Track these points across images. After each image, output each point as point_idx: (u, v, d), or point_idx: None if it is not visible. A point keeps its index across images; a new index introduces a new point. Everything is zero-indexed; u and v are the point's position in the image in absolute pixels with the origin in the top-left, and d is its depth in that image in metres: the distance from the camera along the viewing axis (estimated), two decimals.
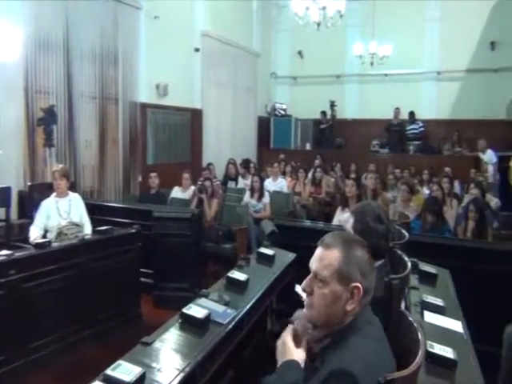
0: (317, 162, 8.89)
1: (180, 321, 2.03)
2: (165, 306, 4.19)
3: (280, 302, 3.27)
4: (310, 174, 7.98)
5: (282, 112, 11.67)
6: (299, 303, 2.83)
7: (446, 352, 1.80)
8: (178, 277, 4.44)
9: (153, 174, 6.03)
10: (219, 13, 8.91)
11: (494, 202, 6.33)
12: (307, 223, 4.65)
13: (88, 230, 4.19)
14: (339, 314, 1.26)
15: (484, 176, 7.45)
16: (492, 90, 9.61)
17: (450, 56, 9.96)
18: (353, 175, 8.81)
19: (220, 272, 4.62)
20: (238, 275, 2.62)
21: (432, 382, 1.68)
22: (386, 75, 10.48)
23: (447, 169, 7.86)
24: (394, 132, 10.48)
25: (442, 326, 2.15)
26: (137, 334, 3.48)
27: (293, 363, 1.23)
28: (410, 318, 1.38)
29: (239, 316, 2.21)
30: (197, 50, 8.48)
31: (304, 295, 2.34)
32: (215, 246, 5.39)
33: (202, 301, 2.22)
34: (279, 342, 1.30)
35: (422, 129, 10.37)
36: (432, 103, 10.41)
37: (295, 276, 3.15)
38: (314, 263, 1.31)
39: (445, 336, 2.04)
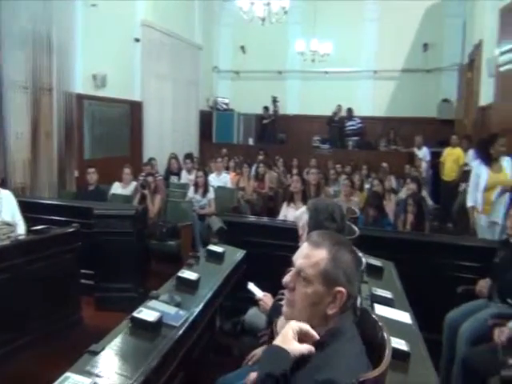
0: (260, 157, 8.91)
1: (130, 325, 1.93)
2: (107, 307, 4.02)
3: (228, 299, 3.23)
4: (253, 169, 7.98)
5: (224, 106, 11.59)
6: (249, 300, 2.82)
7: (400, 345, 1.84)
8: (120, 277, 4.25)
9: (91, 170, 5.73)
10: (161, 3, 8.65)
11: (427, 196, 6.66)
12: (257, 219, 4.61)
13: (21, 229, 3.89)
14: (319, 316, 1.21)
15: (418, 171, 7.81)
16: (425, 89, 10.11)
17: (386, 56, 10.34)
18: (295, 170, 8.95)
19: (165, 270, 4.50)
20: (188, 274, 2.54)
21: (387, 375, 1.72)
22: (326, 72, 10.69)
23: (385, 164, 8.15)
24: (335, 128, 10.74)
25: (392, 318, 2.21)
26: (79, 339, 3.32)
27: (283, 353, 1.13)
28: (374, 316, 1.37)
29: (192, 317, 2.14)
30: (137, 40, 8.18)
31: (259, 294, 2.33)
32: (159, 244, 5.24)
33: (153, 303, 2.13)
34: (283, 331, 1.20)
35: (360, 125, 10.71)
36: (369, 101, 10.77)
37: (245, 273, 3.13)
38: (298, 259, 1.25)
39: (396, 328, 2.09)
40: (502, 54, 5.26)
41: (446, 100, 10.09)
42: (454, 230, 6.56)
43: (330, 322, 1.21)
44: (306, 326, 1.18)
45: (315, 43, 9.68)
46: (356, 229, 2.72)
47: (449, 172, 7.70)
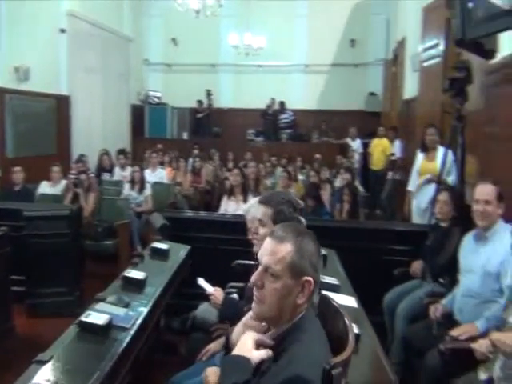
0: (195, 151, 8.82)
1: (78, 330, 1.85)
2: (41, 314, 3.82)
3: (175, 297, 3.19)
4: (189, 164, 7.89)
5: (157, 100, 11.31)
6: (196, 296, 2.80)
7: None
8: (54, 281, 4.03)
9: (17, 169, 5.37)
10: None
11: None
12: (198, 214, 4.58)
13: None
14: (290, 308, 1.24)
15: (351, 162, 8.14)
16: (353, 83, 10.51)
17: (316, 50, 10.61)
18: (231, 164, 8.98)
19: (102, 272, 4.34)
20: (134, 274, 2.48)
21: None
22: (259, 66, 10.78)
23: (318, 155, 8.40)
24: (269, 121, 10.89)
25: (340, 303, 2.29)
26: (12, 349, 3.12)
27: (243, 361, 1.15)
28: (334, 303, 1.42)
29: (142, 317, 2.09)
30: (62, 31, 7.72)
31: (210, 289, 2.32)
32: (95, 244, 5.03)
33: (100, 305, 2.05)
34: (240, 339, 1.22)
35: (292, 118, 10.93)
36: (301, 94, 11.01)
37: (191, 269, 3.11)
38: (264, 256, 1.26)
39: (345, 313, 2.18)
40: (425, 50, 5.60)
41: (372, 93, 10.57)
42: (382, 216, 6.94)
43: (298, 312, 1.25)
44: (262, 337, 1.24)
45: (249, 37, 9.72)
46: (303, 219, 2.78)
47: (377, 162, 8.09)
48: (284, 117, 10.93)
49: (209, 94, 10.95)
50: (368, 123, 9.90)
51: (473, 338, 2.23)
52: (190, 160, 8.16)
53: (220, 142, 10.39)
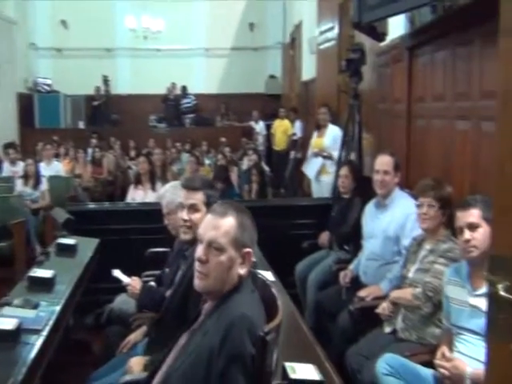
0: (93, 140, 8.37)
1: None
2: None
3: (86, 293, 3.05)
4: (89, 154, 7.47)
5: (47, 88, 10.45)
6: (109, 290, 2.70)
7: None
8: None
9: None
10: None
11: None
12: (103, 205, 4.38)
13: None
14: (234, 278, 1.32)
15: (255, 144, 8.30)
16: (253, 66, 10.62)
17: (216, 34, 10.53)
18: (133, 152, 8.68)
19: None
20: (41, 273, 2.32)
21: None
22: (158, 50, 10.45)
23: (223, 139, 8.45)
24: (170, 106, 10.65)
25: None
26: None
27: None
28: (261, 276, 1.49)
29: (55, 316, 1.97)
30: None
31: (126, 279, 2.25)
32: None
33: (6, 310, 1.90)
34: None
35: (194, 102, 10.82)
36: (202, 78, 10.92)
37: (101, 262, 2.97)
38: (207, 232, 1.31)
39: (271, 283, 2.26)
40: (322, 33, 5.85)
41: (272, 76, 10.81)
42: (286, 194, 7.24)
43: (238, 281, 1.33)
44: None
45: (147, 20, 9.36)
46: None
47: (279, 142, 8.33)
48: (186, 101, 10.77)
49: (106, 80, 10.39)
50: (269, 105, 10.13)
51: (378, 298, 2.44)
52: (90, 150, 7.73)
53: (120, 130, 9.95)
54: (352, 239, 3.14)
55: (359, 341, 2.33)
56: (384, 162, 2.65)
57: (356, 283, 2.80)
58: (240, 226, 1.31)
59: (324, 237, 3.42)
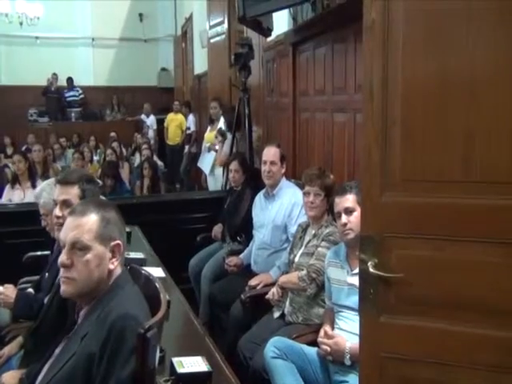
0: None
1: None
2: None
3: None
4: None
5: None
6: None
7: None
8: None
9: None
10: None
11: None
12: None
13: None
14: (105, 275, 1.27)
15: (146, 138, 8.04)
16: (144, 58, 10.23)
17: (103, 24, 9.98)
18: (9, 149, 7.90)
19: None
20: None
21: None
22: (37, 38, 9.61)
23: (113, 133, 8.07)
24: (53, 99, 9.88)
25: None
26: None
27: None
28: (144, 271, 1.45)
29: None
30: None
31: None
32: None
33: None
34: None
35: (82, 96, 10.18)
36: (89, 70, 10.30)
37: None
38: (69, 234, 1.25)
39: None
40: (212, 27, 5.84)
41: (164, 69, 10.55)
42: (181, 189, 7.16)
43: (113, 276, 1.28)
44: None
45: (22, 4, 8.53)
46: (103, 198, 2.66)
47: (173, 136, 8.16)
48: (72, 94, 10.08)
49: None
50: (161, 99, 9.90)
51: (268, 285, 2.51)
52: None
53: None
54: (244, 230, 3.19)
55: (251, 328, 2.37)
56: (271, 153, 2.73)
57: (247, 272, 2.85)
58: (103, 219, 1.27)
59: (217, 229, 3.43)
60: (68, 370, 1.16)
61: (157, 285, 1.37)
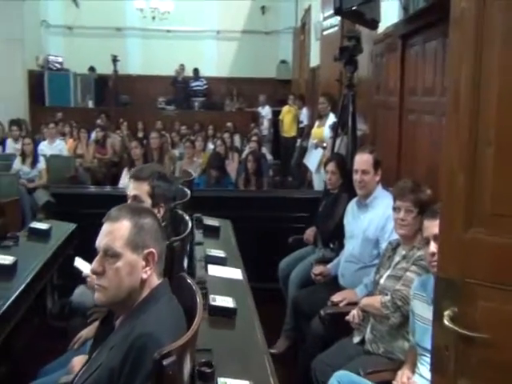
0: (98, 121, 8.31)
1: None
2: None
3: (61, 277, 3.00)
4: (93, 134, 7.42)
5: (58, 65, 10.43)
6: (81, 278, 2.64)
7: (227, 302, 1.90)
8: None
9: None
10: None
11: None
12: (90, 189, 4.32)
13: None
14: (137, 284, 1.22)
15: (259, 129, 8.15)
16: (264, 50, 10.37)
17: (228, 16, 10.32)
18: (140, 133, 8.58)
19: None
20: (1, 259, 2.25)
21: (214, 333, 1.76)
22: (168, 31, 10.30)
23: (229, 124, 8.31)
24: (180, 89, 10.52)
25: (223, 276, 2.27)
26: None
27: None
28: (189, 281, 1.38)
29: (5, 306, 1.91)
30: None
31: (86, 270, 2.17)
32: None
33: None
34: None
35: (205, 86, 10.67)
36: (213, 61, 10.73)
37: (77, 248, 2.92)
38: (102, 240, 1.22)
39: (226, 286, 2.16)
40: (325, 19, 5.64)
41: (283, 61, 10.58)
42: (292, 182, 7.09)
43: (147, 287, 1.23)
44: None
45: (155, 0, 9.19)
46: (188, 191, 2.71)
47: (287, 129, 8.16)
48: (197, 84, 10.63)
49: (115, 59, 10.29)
50: (279, 91, 9.95)
51: (352, 304, 2.31)
52: (95, 130, 7.66)
53: (129, 111, 9.89)
54: (337, 237, 3.00)
55: (329, 348, 2.21)
56: (363, 160, 2.48)
57: (335, 284, 2.68)
58: (135, 226, 1.22)
59: (310, 232, 3.29)
60: (93, 381, 1.15)
61: (197, 298, 1.27)
